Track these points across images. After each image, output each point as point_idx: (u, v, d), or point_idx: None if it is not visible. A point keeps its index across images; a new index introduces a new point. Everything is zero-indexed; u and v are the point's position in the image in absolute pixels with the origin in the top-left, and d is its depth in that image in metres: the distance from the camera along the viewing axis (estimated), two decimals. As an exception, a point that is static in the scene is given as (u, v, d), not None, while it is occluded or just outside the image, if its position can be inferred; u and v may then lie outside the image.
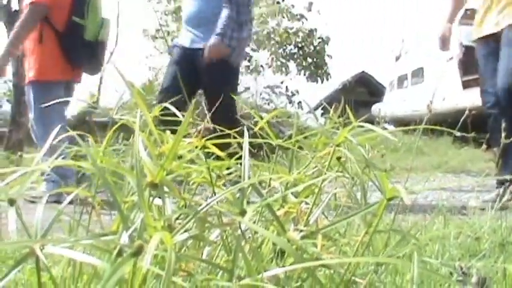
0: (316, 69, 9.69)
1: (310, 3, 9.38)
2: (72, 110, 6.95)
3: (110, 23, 3.48)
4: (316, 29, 9.60)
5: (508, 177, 2.70)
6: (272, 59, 9.26)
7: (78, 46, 3.24)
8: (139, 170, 0.53)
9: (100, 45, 3.40)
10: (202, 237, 0.59)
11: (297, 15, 9.22)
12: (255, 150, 1.23)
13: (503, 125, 2.23)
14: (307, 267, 0.53)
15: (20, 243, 0.52)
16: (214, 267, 0.66)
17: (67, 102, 3.33)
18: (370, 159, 0.77)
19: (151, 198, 0.56)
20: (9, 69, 4.79)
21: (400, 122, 11.06)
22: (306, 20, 9.36)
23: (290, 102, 8.79)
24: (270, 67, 9.26)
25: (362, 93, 19.41)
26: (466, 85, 7.82)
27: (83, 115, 6.75)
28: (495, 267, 1.14)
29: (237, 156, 0.78)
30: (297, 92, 8.97)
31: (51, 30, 3.18)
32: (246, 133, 0.74)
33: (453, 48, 5.70)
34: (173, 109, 0.82)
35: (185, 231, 0.50)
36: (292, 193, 0.76)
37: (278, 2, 8.98)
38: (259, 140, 0.85)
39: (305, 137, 0.87)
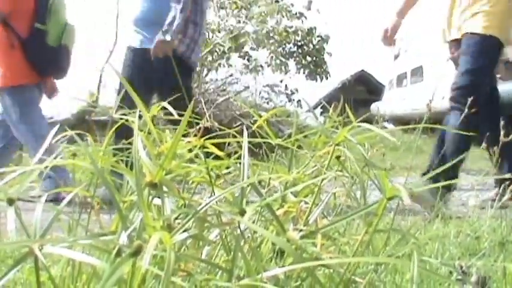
0: (316, 68, 9.69)
1: (310, 2, 9.36)
2: (71, 109, 6.95)
3: (74, 28, 3.50)
4: (315, 28, 9.60)
5: (507, 176, 2.69)
6: (271, 57, 9.25)
7: (41, 51, 3.26)
8: (138, 170, 0.53)
9: (64, 49, 3.43)
10: (201, 237, 0.59)
11: (296, 14, 9.20)
12: (257, 149, 1.23)
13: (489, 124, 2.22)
14: (307, 266, 0.53)
15: (19, 242, 0.52)
16: (213, 267, 0.66)
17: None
18: (369, 158, 0.77)
19: (150, 198, 0.56)
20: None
21: (400, 121, 11.07)
22: (306, 18, 9.35)
23: (289, 100, 8.77)
24: (269, 66, 9.25)
25: (361, 91, 19.42)
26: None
27: (82, 114, 6.74)
28: (495, 266, 1.14)
29: (236, 155, 0.78)
30: (296, 90, 8.94)
31: (15, 37, 3.22)
32: (245, 132, 0.73)
33: (397, 44, 5.54)
34: (171, 109, 0.81)
35: (184, 231, 0.50)
36: (291, 192, 0.76)
37: (277, 1, 8.95)
38: (258, 139, 0.85)
39: (304, 136, 0.87)
